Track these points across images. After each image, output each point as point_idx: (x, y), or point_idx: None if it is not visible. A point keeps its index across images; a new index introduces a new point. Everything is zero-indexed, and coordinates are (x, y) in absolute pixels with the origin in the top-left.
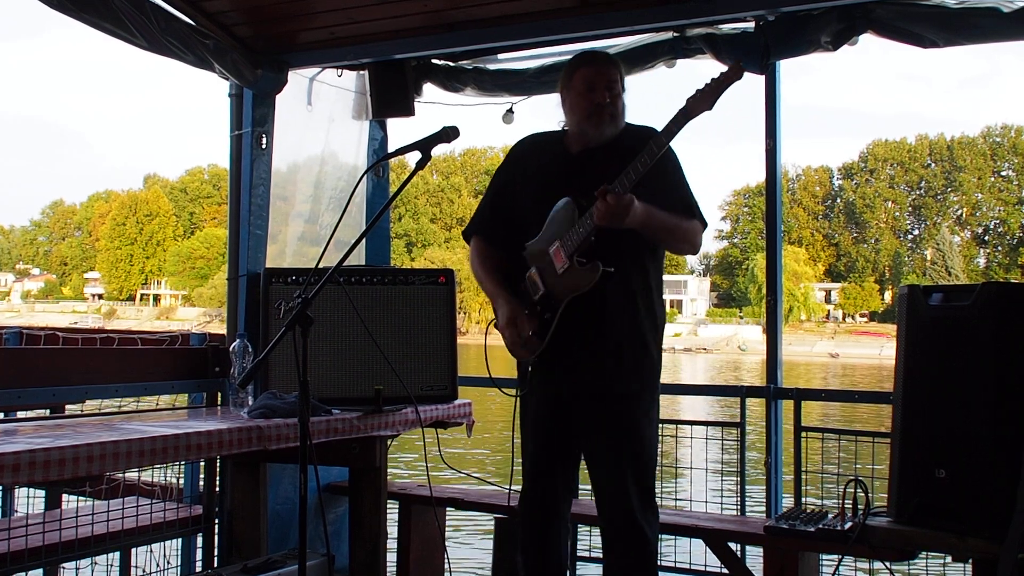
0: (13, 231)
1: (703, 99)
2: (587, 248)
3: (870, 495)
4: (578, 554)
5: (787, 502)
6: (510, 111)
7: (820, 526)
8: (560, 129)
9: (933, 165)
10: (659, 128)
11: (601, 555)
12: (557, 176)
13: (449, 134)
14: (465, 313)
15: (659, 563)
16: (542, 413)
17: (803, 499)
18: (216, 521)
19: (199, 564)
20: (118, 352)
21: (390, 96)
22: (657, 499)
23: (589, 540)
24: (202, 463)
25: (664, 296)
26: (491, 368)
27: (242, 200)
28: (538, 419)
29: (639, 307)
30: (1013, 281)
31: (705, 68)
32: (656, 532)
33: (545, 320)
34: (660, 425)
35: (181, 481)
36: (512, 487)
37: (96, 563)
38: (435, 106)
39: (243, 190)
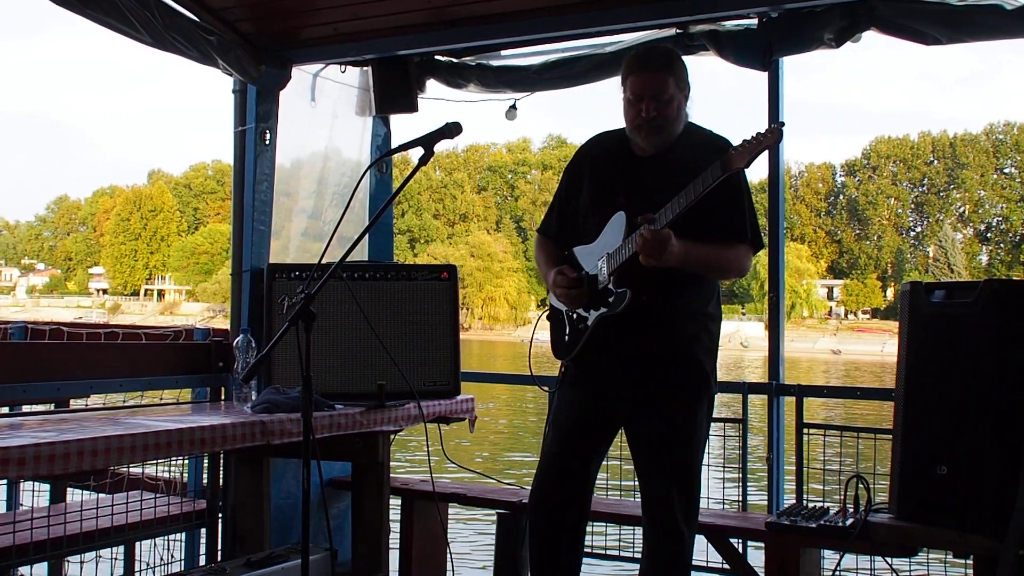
0: (18, 226)
1: (739, 157)
2: (627, 270)
3: (871, 491)
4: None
5: (789, 498)
6: (513, 107)
7: (822, 522)
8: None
9: (936, 162)
10: (731, 139)
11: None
12: (613, 180)
13: (452, 130)
14: (467, 309)
15: None
16: (579, 411)
17: (805, 495)
18: (219, 515)
19: (203, 558)
20: (122, 347)
21: (393, 92)
22: None
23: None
24: (206, 458)
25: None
26: (507, 364)
27: (246, 196)
28: (572, 417)
29: (681, 318)
30: (1015, 278)
31: (709, 65)
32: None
33: (579, 330)
34: None
35: (185, 475)
36: (509, 483)
37: (100, 557)
38: (438, 102)
39: (247, 186)
